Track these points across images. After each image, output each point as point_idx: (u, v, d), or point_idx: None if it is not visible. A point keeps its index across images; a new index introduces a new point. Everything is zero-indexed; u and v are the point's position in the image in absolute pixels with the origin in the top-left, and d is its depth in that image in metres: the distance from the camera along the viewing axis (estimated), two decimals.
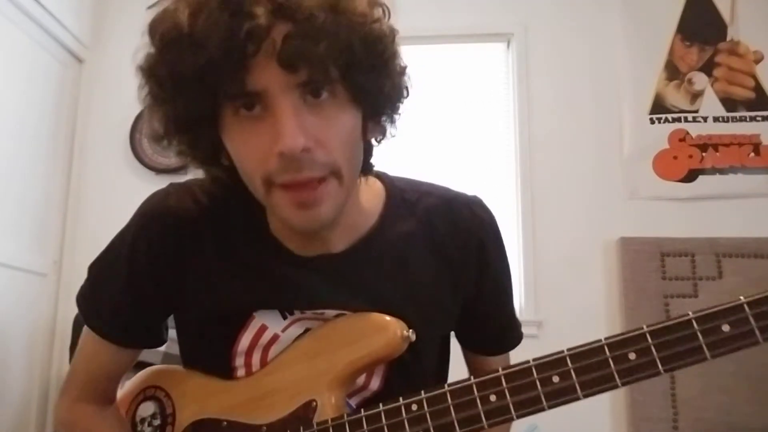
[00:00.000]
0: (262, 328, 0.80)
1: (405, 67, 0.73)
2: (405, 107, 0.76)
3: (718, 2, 2.76)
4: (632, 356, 0.62)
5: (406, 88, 0.74)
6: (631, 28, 2.77)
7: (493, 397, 0.66)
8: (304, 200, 0.68)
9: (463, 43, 2.90)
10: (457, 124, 2.81)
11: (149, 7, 0.69)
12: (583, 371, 0.64)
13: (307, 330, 0.80)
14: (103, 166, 2.84)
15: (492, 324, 0.92)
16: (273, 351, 0.80)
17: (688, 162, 2.66)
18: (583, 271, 2.59)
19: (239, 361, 0.82)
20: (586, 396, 0.64)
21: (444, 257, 0.84)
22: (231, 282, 0.80)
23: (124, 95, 2.87)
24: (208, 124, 0.69)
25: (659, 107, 2.70)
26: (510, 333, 0.94)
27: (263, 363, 0.81)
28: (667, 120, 2.69)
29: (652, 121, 2.70)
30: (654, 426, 2.44)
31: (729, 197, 2.61)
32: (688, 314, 0.61)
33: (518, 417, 0.66)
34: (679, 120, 2.69)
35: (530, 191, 2.68)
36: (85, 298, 0.86)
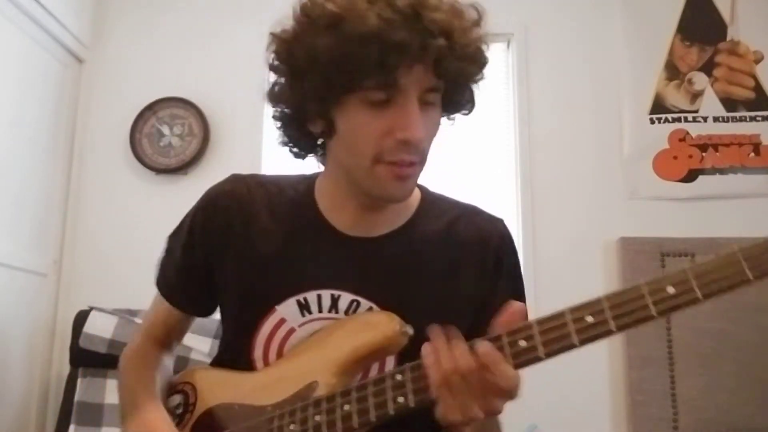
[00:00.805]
0: (281, 321, 0.91)
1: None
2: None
3: (718, 2, 2.76)
4: (589, 318, 0.71)
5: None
6: (631, 28, 2.77)
7: None
8: (404, 175, 0.84)
9: None
10: (457, 124, 2.81)
11: None
12: (546, 333, 0.71)
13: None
14: (103, 166, 2.83)
15: None
16: (289, 344, 0.91)
17: (688, 162, 2.66)
18: (583, 271, 2.59)
19: (258, 352, 0.92)
20: (547, 356, 0.71)
21: (463, 262, 0.93)
22: (271, 253, 0.92)
23: (124, 95, 2.87)
24: (339, 97, 0.82)
25: (659, 107, 2.70)
26: None
27: (280, 355, 0.91)
28: (667, 120, 2.69)
29: (652, 121, 2.70)
30: (654, 426, 2.44)
31: (729, 197, 2.61)
32: (640, 281, 0.71)
33: None
34: (679, 120, 2.69)
35: (530, 191, 2.68)
36: (159, 261, 1.04)
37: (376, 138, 0.81)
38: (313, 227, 0.93)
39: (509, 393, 0.72)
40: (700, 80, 2.72)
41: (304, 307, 0.90)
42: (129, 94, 2.82)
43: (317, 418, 0.80)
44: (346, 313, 0.89)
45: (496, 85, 2.85)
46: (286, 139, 0.93)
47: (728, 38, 2.73)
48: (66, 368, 2.46)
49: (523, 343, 0.72)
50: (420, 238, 0.93)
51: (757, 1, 2.75)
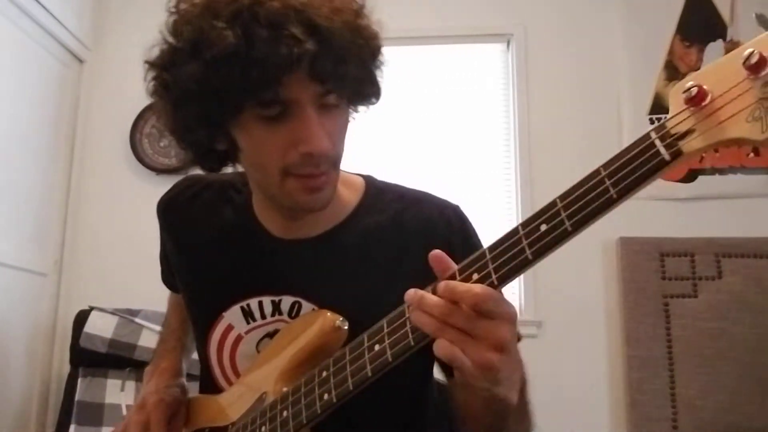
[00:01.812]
0: (229, 327, 0.93)
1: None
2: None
3: (718, 2, 2.76)
4: (475, 275, 0.66)
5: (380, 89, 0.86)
6: (630, 28, 2.77)
7: (377, 347, 0.71)
8: (316, 186, 0.80)
9: (462, 44, 2.90)
10: (456, 124, 2.82)
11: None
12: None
13: (267, 335, 0.91)
14: (103, 167, 2.84)
15: None
16: (240, 350, 0.93)
17: (687, 162, 2.66)
18: (582, 271, 2.59)
19: (213, 359, 0.95)
20: (415, 342, 0.67)
21: (409, 253, 0.87)
22: (212, 261, 0.94)
23: (125, 95, 2.87)
24: (230, 118, 0.78)
25: (659, 107, 2.70)
26: None
27: (232, 360, 0.94)
28: None
29: (652, 121, 2.70)
30: (654, 425, 2.44)
31: (728, 197, 2.61)
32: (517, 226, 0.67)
33: (394, 360, 0.69)
34: None
35: (530, 192, 2.69)
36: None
37: (279, 152, 0.77)
38: (249, 233, 0.92)
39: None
40: None
41: (248, 314, 0.91)
42: (129, 94, 2.81)
43: (263, 428, 0.83)
44: (290, 314, 0.89)
45: (495, 85, 2.86)
46: (191, 158, 0.88)
47: (728, 38, 2.74)
48: (66, 368, 2.47)
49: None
50: (361, 233, 0.89)
51: (757, 1, 2.76)
